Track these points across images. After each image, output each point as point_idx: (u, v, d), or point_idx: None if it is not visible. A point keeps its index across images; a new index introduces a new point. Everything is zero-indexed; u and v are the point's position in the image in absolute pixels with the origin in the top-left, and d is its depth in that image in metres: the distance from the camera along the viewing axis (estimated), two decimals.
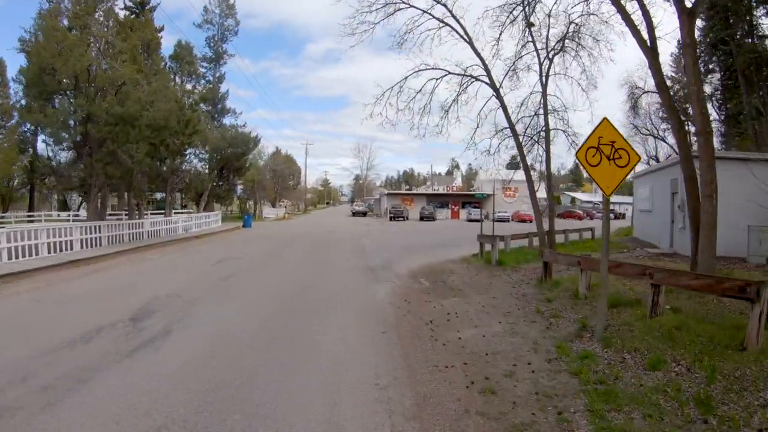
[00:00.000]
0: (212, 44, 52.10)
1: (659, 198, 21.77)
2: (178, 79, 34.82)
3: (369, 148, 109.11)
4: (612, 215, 71.26)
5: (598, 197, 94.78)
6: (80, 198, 47.18)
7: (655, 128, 41.45)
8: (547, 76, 18.93)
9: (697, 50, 17.45)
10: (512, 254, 17.29)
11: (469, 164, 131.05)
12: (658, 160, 44.85)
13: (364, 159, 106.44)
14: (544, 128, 19.17)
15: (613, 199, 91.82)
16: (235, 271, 13.86)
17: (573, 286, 10.24)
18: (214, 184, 37.49)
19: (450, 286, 11.86)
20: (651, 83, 40.03)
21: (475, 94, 19.29)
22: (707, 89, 31.84)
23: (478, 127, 18.96)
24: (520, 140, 18.75)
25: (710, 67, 33.12)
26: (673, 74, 42.09)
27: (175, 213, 34.34)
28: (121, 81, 19.09)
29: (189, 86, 35.28)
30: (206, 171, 36.98)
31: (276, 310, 9.03)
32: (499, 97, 18.49)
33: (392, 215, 53.74)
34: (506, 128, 18.86)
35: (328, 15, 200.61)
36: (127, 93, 18.66)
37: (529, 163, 19.55)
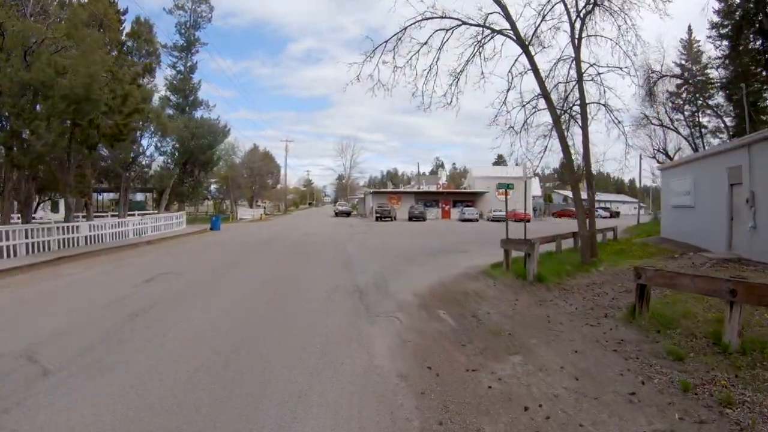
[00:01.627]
0: (183, 31, 47.70)
1: (707, 191, 17.90)
2: (136, 60, 30.11)
3: (352, 146, 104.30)
4: (607, 213, 68.55)
5: (607, 196, 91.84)
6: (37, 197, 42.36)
7: (669, 118, 37.73)
8: (579, 39, 14.82)
9: None
10: (545, 263, 13.10)
11: (453, 163, 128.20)
12: (667, 154, 41.12)
13: (347, 157, 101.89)
14: (578, 102, 15.03)
15: (604, 197, 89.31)
16: (160, 299, 9.43)
17: (695, 326, 6.21)
18: (177, 180, 32.86)
19: (490, 327, 7.57)
20: (668, 65, 36.49)
21: (494, 55, 14.88)
22: None
23: (510, 88, 14.73)
24: (555, 114, 14.57)
25: None
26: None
27: (141, 214, 29.78)
28: (33, 40, 14.53)
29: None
30: (169, 166, 32.35)
31: (178, 406, 4.63)
32: (528, 56, 14.30)
33: (378, 215, 49.38)
34: (538, 97, 14.70)
35: (308, 14, 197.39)
36: (38, 55, 14.12)
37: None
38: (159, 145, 31.78)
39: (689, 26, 38.50)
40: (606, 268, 13.78)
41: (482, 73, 14.64)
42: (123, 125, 16.15)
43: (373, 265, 14.41)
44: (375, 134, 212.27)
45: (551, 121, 14.93)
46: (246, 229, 34.48)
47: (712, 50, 34.66)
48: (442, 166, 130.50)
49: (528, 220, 52.68)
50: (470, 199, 59.62)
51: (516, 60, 14.85)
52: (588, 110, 14.85)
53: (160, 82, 42.37)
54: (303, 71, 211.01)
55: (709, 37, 33.00)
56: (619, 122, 15.65)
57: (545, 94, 14.64)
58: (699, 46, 37.78)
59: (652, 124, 37.94)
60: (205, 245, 21.78)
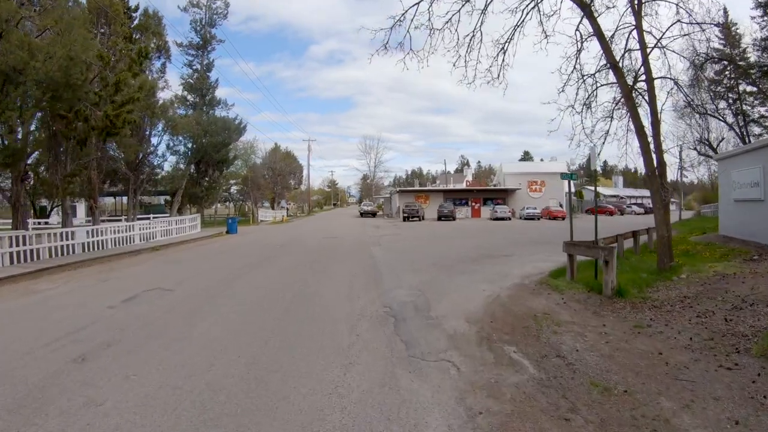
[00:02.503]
0: (199, 29, 46.21)
1: None
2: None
3: (376, 145, 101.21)
4: (642, 209, 64.90)
5: (623, 191, 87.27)
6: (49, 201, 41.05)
7: (715, 106, 34.18)
8: (640, 2, 11.97)
9: None
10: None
11: (479, 161, 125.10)
12: (710, 145, 37.59)
13: (371, 156, 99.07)
14: (642, 77, 12.18)
15: (636, 192, 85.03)
16: (124, 334, 6.97)
17: None
18: (191, 181, 30.74)
19: (590, 376, 5.03)
20: (714, 45, 32.89)
21: (552, 13, 12.17)
22: None
23: (580, 51, 12.01)
24: (626, 88, 11.74)
25: None
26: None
27: (155, 218, 27.75)
28: (6, 18, 12.34)
29: (158, 63, 28.56)
30: (181, 166, 30.26)
31: None
32: (590, 18, 11.56)
33: (406, 215, 46.63)
34: (602, 69, 11.95)
35: (328, 16, 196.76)
36: (8, 35, 11.92)
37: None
38: (171, 144, 29.74)
39: (724, 8, 34.98)
40: (689, 275, 11.02)
41: (543, 31, 11.93)
42: (114, 116, 13.87)
43: (407, 277, 11.82)
44: (399, 134, 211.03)
45: (610, 100, 12.22)
46: (265, 232, 32.24)
47: (756, 32, 31.28)
48: (467, 164, 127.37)
49: (563, 218, 49.55)
50: (501, 196, 56.57)
51: (579, 23, 12.09)
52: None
53: (174, 81, 40.65)
54: (325, 73, 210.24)
55: (753, 17, 29.84)
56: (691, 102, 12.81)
57: (613, 63, 11.86)
58: (736, 29, 34.33)
59: (695, 112, 34.44)
60: (212, 252, 19.44)
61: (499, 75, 12.67)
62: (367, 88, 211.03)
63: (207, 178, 30.70)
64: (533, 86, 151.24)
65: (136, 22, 28.00)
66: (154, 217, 29.67)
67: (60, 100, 12.40)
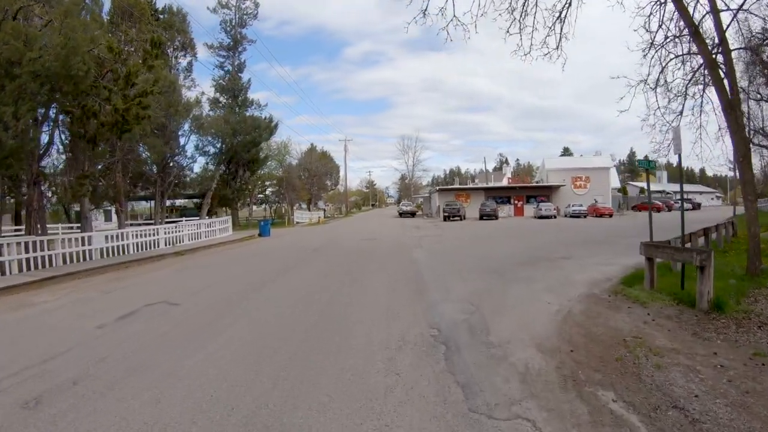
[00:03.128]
0: (228, 29, 45.47)
1: None
2: (170, 53, 27.20)
3: (414, 144, 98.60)
4: (689, 205, 61.34)
5: (668, 186, 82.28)
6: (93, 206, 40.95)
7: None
8: None
9: None
10: (694, 275, 8.28)
11: (517, 159, 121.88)
12: (764, 133, 34.06)
13: (409, 155, 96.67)
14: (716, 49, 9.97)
15: (687, 187, 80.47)
16: (102, 368, 5.44)
17: None
18: (221, 182, 29.60)
19: None
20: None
21: None
22: None
23: (651, 15, 9.99)
24: (708, 55, 9.62)
25: None
26: None
27: (188, 221, 26.79)
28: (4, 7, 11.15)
29: (184, 62, 27.57)
30: (210, 167, 29.15)
31: None
32: None
33: (446, 214, 44.62)
34: (676, 37, 9.91)
35: (361, 18, 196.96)
36: (3, 24, 10.69)
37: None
38: (200, 144, 28.66)
39: None
40: None
41: None
42: (124, 110, 12.55)
43: (456, 286, 10.02)
44: (436, 134, 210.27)
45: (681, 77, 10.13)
46: (299, 235, 30.92)
47: None
48: (506, 161, 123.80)
49: (611, 215, 46.61)
50: (544, 193, 53.89)
51: None
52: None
53: (206, 84, 39.70)
54: (361, 74, 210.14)
55: None
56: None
57: (693, 28, 9.75)
58: None
59: (750, 99, 31.12)
60: (239, 257, 18.06)
61: (558, 46, 10.72)
62: (402, 89, 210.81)
63: (237, 180, 29.46)
64: (567, 81, 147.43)
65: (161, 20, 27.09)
66: (186, 220, 28.70)
67: (61, 93, 11.15)
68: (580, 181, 55.72)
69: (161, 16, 28.04)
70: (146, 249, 19.17)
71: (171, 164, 24.31)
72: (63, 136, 17.16)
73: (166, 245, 20.83)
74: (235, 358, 5.66)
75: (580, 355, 5.46)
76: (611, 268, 11.80)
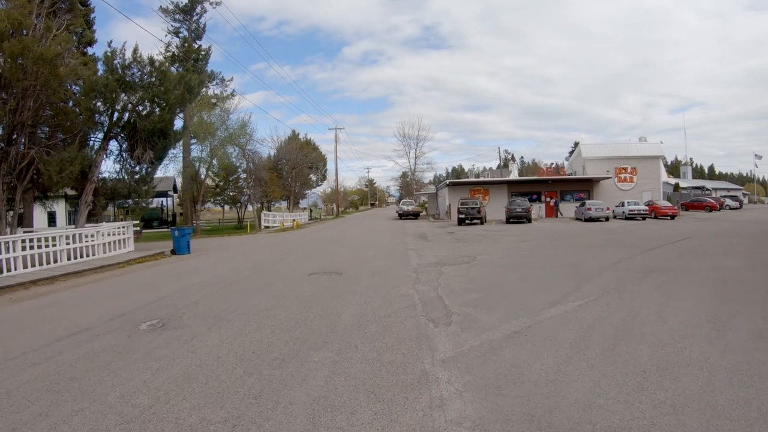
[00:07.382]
0: None
1: None
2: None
3: (417, 134, 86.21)
4: (736, 203, 52.78)
5: (693, 183, 70.41)
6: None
7: None
8: None
9: None
10: None
11: (521, 157, 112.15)
12: None
13: (410, 144, 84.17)
14: None
15: (713, 184, 69.15)
16: None
17: None
18: (127, 171, 18.02)
19: None
20: None
21: None
22: None
23: None
24: None
25: None
26: None
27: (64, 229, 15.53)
28: None
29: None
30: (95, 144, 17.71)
31: None
32: None
33: (463, 216, 32.81)
34: None
35: (360, 17, 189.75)
36: None
37: None
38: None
39: None
40: None
41: None
42: None
43: None
44: (437, 132, 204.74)
45: None
46: (248, 247, 19.86)
47: None
48: (512, 158, 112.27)
49: (673, 216, 35.18)
50: (583, 188, 42.47)
51: None
52: None
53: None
54: (361, 73, 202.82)
55: None
56: None
57: None
58: None
59: None
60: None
61: None
62: (402, 88, 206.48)
63: (140, 164, 18.03)
64: (567, 80, 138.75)
65: None
66: (64, 229, 17.32)
67: None
68: (625, 173, 44.27)
69: None
70: None
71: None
72: None
73: None
74: None
75: None
76: None
